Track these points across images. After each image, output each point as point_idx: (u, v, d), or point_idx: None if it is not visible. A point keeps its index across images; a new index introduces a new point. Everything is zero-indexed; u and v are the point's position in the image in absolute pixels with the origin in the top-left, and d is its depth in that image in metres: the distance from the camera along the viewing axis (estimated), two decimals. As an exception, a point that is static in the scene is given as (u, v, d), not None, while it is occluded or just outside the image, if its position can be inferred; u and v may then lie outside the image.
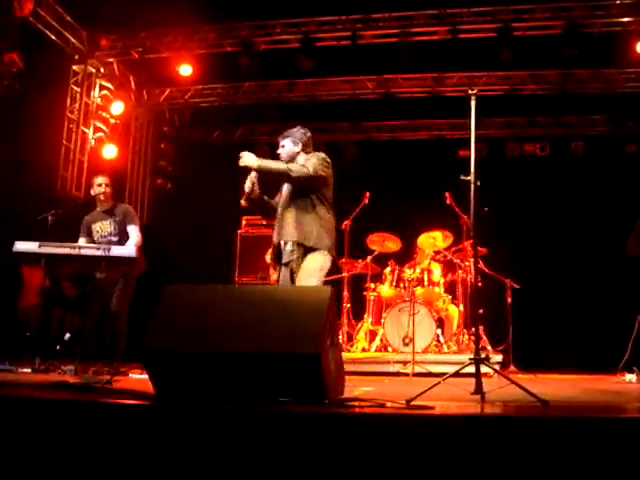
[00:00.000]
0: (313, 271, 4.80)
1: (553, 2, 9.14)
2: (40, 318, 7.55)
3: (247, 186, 4.90)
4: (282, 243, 4.93)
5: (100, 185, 6.64)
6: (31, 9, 8.47)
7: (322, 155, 5.00)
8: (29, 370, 5.97)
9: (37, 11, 8.92)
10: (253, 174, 4.90)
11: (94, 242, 6.51)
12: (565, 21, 9.08)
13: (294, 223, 4.85)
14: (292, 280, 4.89)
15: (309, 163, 4.89)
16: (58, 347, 7.57)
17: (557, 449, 2.53)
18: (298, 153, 5.08)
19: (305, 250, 4.84)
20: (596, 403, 4.28)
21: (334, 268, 5.39)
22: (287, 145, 5.12)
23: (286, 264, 4.92)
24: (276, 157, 5.09)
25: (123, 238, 6.49)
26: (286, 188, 5.06)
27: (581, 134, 11.21)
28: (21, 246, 5.63)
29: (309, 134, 5.20)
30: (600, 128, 11.28)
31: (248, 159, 4.90)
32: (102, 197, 6.65)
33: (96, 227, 6.59)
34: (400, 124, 12.05)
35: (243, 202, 4.92)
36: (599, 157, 10.85)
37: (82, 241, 6.54)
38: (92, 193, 6.73)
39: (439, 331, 8.39)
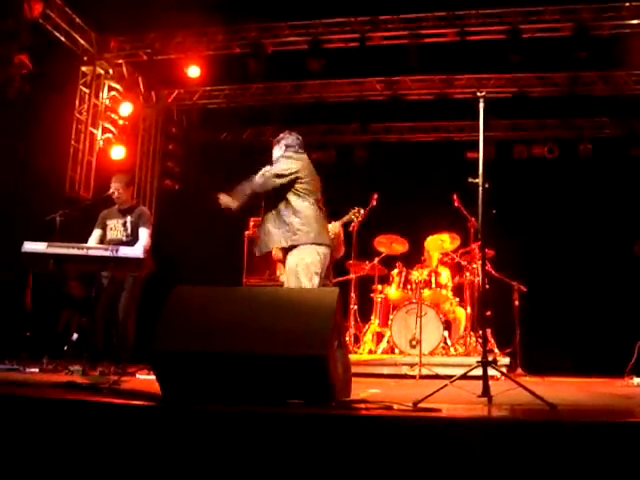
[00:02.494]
0: (293, 270, 5.00)
1: (562, 4, 9.11)
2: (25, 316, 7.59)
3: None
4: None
5: (114, 189, 6.69)
6: (41, 11, 8.52)
7: (286, 154, 5.29)
8: (37, 370, 6.00)
9: (47, 13, 8.96)
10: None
11: (107, 237, 6.59)
12: (574, 23, 9.06)
13: (273, 229, 5.10)
14: None
15: (266, 171, 5.20)
16: (65, 347, 7.59)
17: (565, 453, 2.52)
18: (278, 159, 5.34)
19: (288, 249, 5.08)
20: (604, 406, 4.26)
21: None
22: (275, 152, 5.44)
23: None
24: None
25: (135, 240, 6.52)
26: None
27: (589, 136, 11.18)
28: (29, 246, 5.63)
29: (294, 136, 5.44)
30: (608, 130, 11.24)
31: (226, 202, 5.31)
32: (118, 200, 6.71)
33: (111, 224, 6.64)
34: (408, 126, 12.05)
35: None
36: (607, 159, 10.82)
37: (96, 233, 6.63)
38: (110, 193, 6.77)
39: (446, 333, 8.38)
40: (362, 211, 7.42)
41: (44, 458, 2.90)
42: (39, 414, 3.04)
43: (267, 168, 5.23)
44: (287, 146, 5.36)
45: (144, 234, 6.56)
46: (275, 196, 5.13)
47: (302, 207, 5.09)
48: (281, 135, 5.48)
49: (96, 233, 6.64)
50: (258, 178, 5.15)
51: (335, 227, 6.84)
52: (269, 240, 5.11)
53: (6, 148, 8.18)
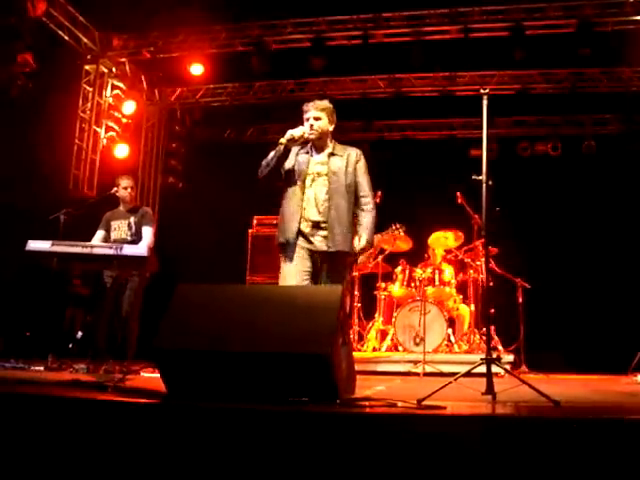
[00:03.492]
0: (342, 273, 4.64)
1: (565, 0, 9.10)
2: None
3: (299, 132, 4.69)
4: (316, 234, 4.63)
5: (126, 188, 6.75)
6: (44, 10, 8.52)
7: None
8: (42, 368, 6.01)
9: (50, 12, 8.97)
10: (308, 131, 4.72)
11: (111, 237, 6.62)
12: (577, 19, 9.03)
13: (343, 233, 4.61)
14: (315, 276, 4.61)
15: (367, 182, 4.88)
16: (70, 345, 7.62)
17: (569, 450, 2.52)
18: (328, 134, 4.83)
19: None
20: (608, 404, 4.26)
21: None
22: (324, 120, 4.80)
23: (313, 253, 4.61)
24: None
25: (139, 239, 6.55)
26: (332, 179, 4.73)
27: (593, 133, 11.16)
28: (34, 245, 5.65)
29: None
30: (612, 127, 11.22)
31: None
32: (127, 199, 6.75)
33: (115, 225, 6.68)
34: (411, 123, 12.04)
35: (284, 140, 4.63)
36: (611, 156, 10.79)
37: (99, 234, 6.68)
38: (114, 191, 6.80)
39: (450, 331, 8.38)
40: (404, 227, 7.49)
41: (49, 456, 2.91)
42: (43, 412, 3.05)
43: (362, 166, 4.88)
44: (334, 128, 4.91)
45: (147, 233, 6.59)
46: (350, 200, 4.75)
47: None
48: (331, 105, 4.87)
49: (99, 234, 6.68)
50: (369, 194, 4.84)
51: (377, 239, 6.98)
52: (342, 242, 4.56)
53: (10, 147, 8.19)
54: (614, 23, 9.02)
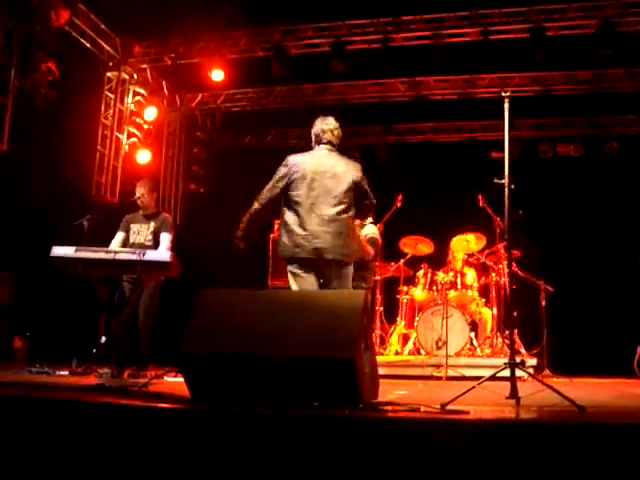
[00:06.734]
0: None
1: (586, 1, 9.03)
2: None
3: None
4: None
5: (137, 195, 6.76)
6: (67, 19, 8.61)
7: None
8: (66, 373, 6.07)
9: (73, 20, 9.06)
10: None
11: (129, 240, 6.66)
12: (599, 20, 8.96)
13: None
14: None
15: None
16: (94, 350, 7.67)
17: (594, 456, 2.50)
18: None
19: None
20: (635, 408, 4.21)
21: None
22: None
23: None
24: None
25: (156, 245, 6.58)
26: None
27: (615, 134, 11.05)
28: (58, 251, 5.71)
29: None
30: (635, 128, 11.10)
31: None
32: (140, 205, 6.78)
33: (134, 228, 6.72)
34: (432, 126, 12.00)
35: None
36: (634, 157, 10.68)
37: (119, 236, 6.71)
38: (135, 198, 6.84)
39: (472, 334, 8.34)
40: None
41: (76, 461, 2.94)
42: (69, 417, 3.08)
43: None
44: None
45: (166, 239, 6.62)
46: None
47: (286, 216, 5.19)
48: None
49: (119, 236, 6.72)
50: None
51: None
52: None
53: (34, 153, 8.29)
54: (636, 23, 8.94)
